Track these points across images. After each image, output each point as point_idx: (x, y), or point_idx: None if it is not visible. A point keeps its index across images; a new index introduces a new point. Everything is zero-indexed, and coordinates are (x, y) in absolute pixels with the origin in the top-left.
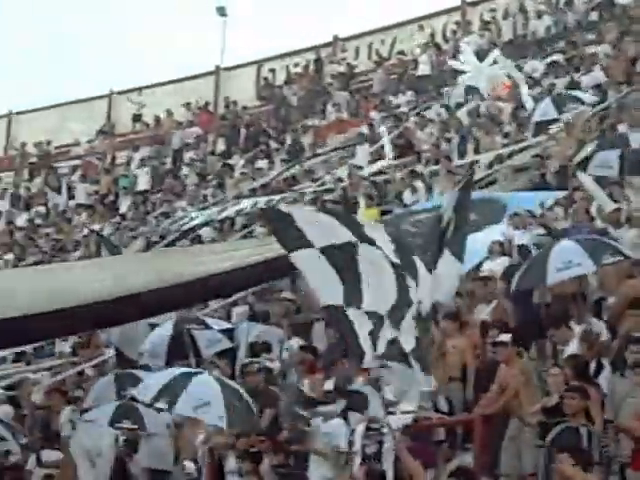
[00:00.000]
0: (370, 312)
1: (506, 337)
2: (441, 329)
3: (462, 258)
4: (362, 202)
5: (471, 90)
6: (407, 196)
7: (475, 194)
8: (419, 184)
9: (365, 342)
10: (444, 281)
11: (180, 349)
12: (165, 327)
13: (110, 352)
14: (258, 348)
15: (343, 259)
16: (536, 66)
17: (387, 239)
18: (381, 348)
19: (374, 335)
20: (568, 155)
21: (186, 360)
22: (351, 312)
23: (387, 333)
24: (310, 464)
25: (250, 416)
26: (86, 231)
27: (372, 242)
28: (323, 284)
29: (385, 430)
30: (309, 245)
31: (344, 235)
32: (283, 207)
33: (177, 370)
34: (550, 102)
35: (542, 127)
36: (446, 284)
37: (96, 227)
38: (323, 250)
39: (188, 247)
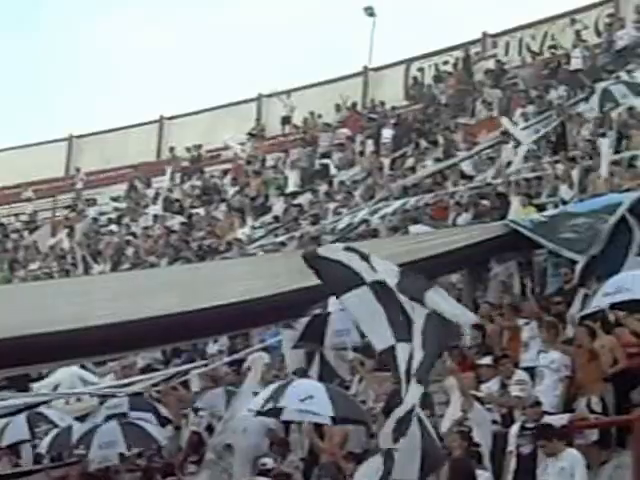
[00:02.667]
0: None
1: None
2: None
3: None
4: (516, 201)
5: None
6: (564, 191)
7: None
8: (575, 180)
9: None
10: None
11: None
12: None
13: None
14: None
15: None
16: None
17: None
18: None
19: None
20: None
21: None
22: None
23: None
24: None
25: (355, 404)
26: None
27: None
28: (373, 328)
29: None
30: (361, 282)
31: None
32: (321, 250)
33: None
34: None
35: None
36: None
37: (246, 229)
38: (372, 285)
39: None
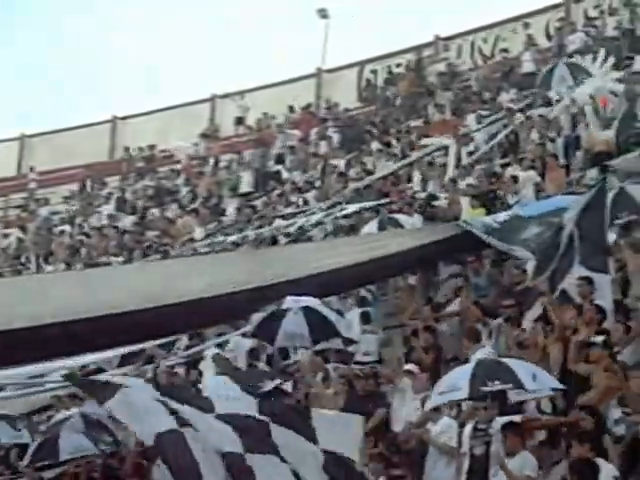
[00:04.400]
0: None
1: (598, 339)
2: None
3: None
4: (465, 204)
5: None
6: (510, 197)
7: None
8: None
9: None
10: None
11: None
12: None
13: None
14: None
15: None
16: None
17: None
18: None
19: None
20: None
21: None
22: None
23: None
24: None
25: None
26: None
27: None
28: None
29: (492, 431)
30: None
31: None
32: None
33: None
34: None
35: None
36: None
37: (200, 230)
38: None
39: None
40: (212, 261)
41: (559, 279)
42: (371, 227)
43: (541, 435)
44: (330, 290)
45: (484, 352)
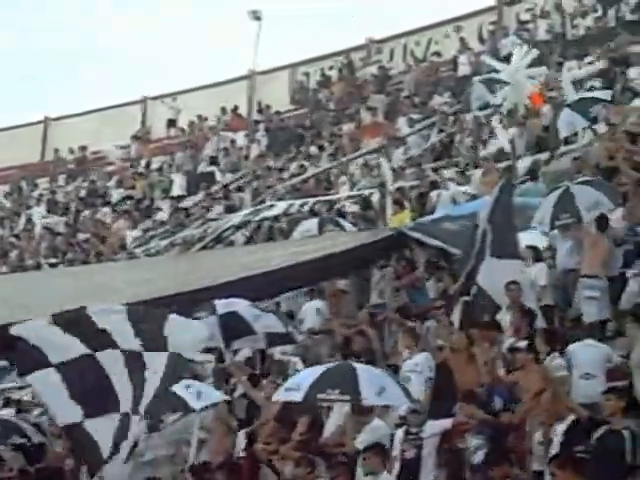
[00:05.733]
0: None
1: (522, 343)
2: (463, 336)
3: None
4: (388, 209)
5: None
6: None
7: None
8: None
9: (106, 446)
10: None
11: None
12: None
13: None
14: None
15: (80, 372)
16: (574, 67)
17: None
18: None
19: (120, 436)
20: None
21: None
22: (88, 423)
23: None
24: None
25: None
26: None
27: (111, 345)
28: (59, 404)
29: (424, 435)
30: (46, 364)
31: (77, 348)
32: (15, 329)
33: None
34: (572, 112)
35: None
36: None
37: (134, 232)
38: (58, 367)
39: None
40: (143, 266)
41: (473, 278)
42: (309, 226)
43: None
44: (262, 293)
45: (421, 357)
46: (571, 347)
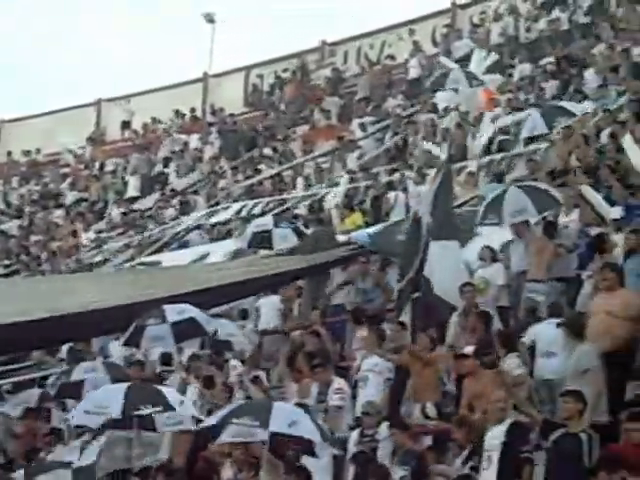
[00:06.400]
0: None
1: (469, 350)
2: (425, 337)
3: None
4: (335, 213)
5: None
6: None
7: None
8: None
9: None
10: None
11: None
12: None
13: None
14: None
15: None
16: (526, 70)
17: None
18: None
19: None
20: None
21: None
22: None
23: None
24: None
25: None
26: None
27: None
28: None
29: (379, 437)
30: None
31: None
32: None
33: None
34: (539, 117)
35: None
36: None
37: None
38: None
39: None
40: (92, 277)
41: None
42: (264, 221)
43: (428, 440)
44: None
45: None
46: (535, 327)
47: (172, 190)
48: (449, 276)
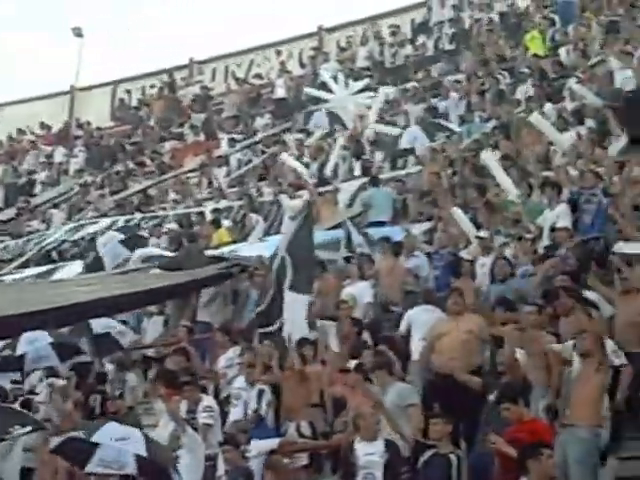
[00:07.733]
0: None
1: (352, 363)
2: (299, 356)
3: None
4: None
5: (335, 118)
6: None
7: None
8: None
9: None
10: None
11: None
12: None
13: None
14: None
15: None
16: (390, 92)
17: None
18: None
19: None
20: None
21: None
22: None
23: None
24: None
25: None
26: None
27: None
28: None
29: (251, 455)
30: None
31: None
32: None
33: None
34: (419, 130)
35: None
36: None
37: None
38: None
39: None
40: None
41: (277, 309)
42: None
43: (304, 459)
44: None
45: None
46: (410, 312)
47: (27, 202)
48: (296, 328)
